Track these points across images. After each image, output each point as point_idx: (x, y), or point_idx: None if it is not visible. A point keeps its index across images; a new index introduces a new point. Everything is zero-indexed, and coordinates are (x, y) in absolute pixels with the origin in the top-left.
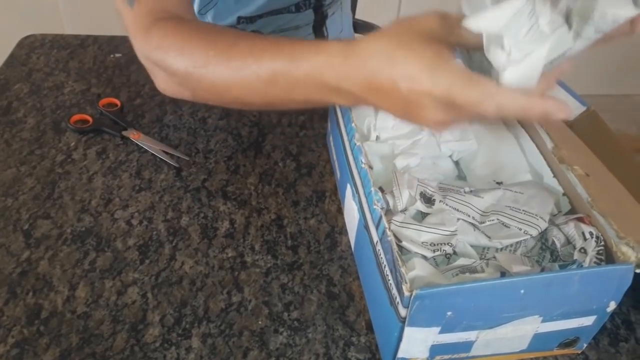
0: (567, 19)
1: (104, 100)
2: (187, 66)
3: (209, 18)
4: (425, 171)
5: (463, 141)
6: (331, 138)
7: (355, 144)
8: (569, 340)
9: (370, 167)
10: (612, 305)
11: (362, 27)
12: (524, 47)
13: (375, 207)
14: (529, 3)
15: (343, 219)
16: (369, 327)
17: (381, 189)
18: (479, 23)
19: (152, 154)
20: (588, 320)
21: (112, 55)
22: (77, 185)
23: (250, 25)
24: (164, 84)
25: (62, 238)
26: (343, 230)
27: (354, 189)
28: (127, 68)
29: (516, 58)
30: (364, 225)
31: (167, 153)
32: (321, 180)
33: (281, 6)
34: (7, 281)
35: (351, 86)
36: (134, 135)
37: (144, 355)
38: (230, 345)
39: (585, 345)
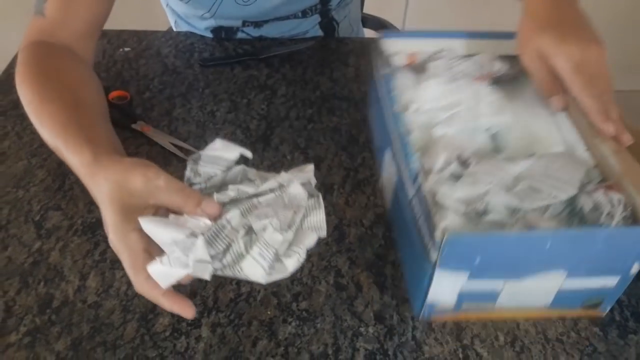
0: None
1: (114, 93)
2: (21, 95)
3: (212, 21)
4: (462, 142)
5: (500, 115)
6: (373, 110)
7: (396, 111)
8: (593, 300)
9: (409, 132)
10: (636, 267)
11: (370, 22)
12: (176, 260)
13: (412, 166)
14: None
15: (350, 211)
16: (377, 318)
17: (419, 152)
18: (147, 226)
19: (162, 147)
20: (612, 281)
21: (121, 50)
22: None
23: (256, 30)
24: (24, 106)
25: (72, 229)
26: (351, 223)
27: (392, 153)
28: (136, 62)
29: (165, 261)
30: (401, 186)
31: (176, 146)
32: (329, 173)
33: (287, 13)
34: (19, 271)
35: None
36: (143, 128)
37: (154, 344)
38: (240, 335)
39: (608, 308)
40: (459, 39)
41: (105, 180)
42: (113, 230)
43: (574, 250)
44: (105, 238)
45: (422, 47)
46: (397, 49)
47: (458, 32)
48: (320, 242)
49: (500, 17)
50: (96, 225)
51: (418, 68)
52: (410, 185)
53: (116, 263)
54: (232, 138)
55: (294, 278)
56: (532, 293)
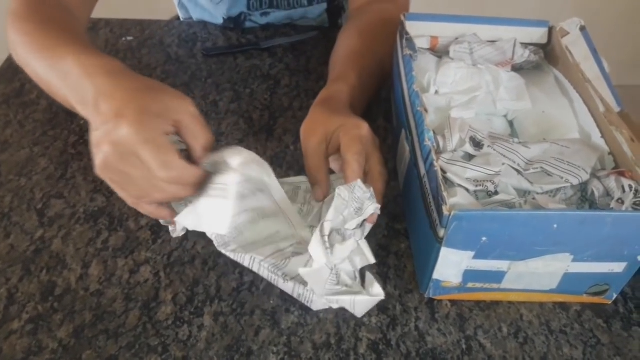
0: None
1: None
2: (16, 46)
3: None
4: (478, 125)
5: (519, 101)
6: (393, 92)
7: (414, 90)
8: (598, 287)
9: (426, 110)
10: None
11: None
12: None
13: (426, 143)
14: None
15: None
16: (380, 309)
17: (434, 132)
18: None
19: None
20: (619, 267)
21: (123, 39)
22: (90, 166)
23: (263, 18)
24: (13, 52)
25: (75, 217)
26: None
27: (407, 132)
28: (139, 51)
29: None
30: (414, 164)
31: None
32: None
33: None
34: (22, 259)
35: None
36: None
37: (157, 333)
38: (242, 324)
39: (614, 295)
40: (482, 24)
41: (133, 76)
42: (138, 121)
43: (582, 232)
44: (107, 227)
45: (444, 30)
46: (420, 32)
47: (481, 18)
48: None
49: (502, 6)
50: (98, 214)
51: (439, 51)
52: (423, 163)
53: (118, 252)
54: (235, 128)
55: None
56: (537, 276)
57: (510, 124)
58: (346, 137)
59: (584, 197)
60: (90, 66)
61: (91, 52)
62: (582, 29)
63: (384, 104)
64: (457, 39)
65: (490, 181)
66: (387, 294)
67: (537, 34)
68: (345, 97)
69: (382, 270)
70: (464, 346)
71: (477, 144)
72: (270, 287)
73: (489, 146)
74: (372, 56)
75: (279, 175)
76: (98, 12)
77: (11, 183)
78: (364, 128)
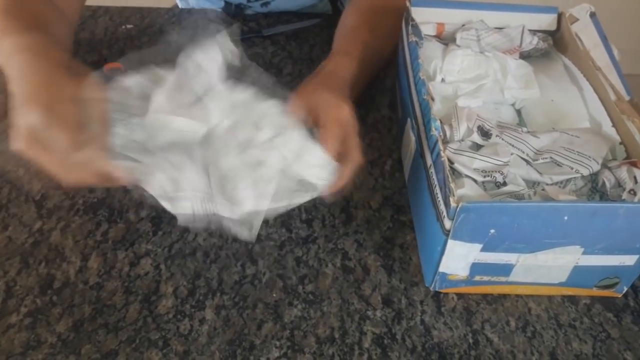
0: None
1: (108, 65)
2: None
3: None
4: (486, 114)
5: (527, 89)
6: (398, 81)
7: (420, 78)
8: (609, 280)
9: (432, 99)
10: None
11: None
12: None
13: (432, 133)
14: None
15: (358, 193)
16: (385, 302)
17: (440, 121)
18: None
19: None
20: (630, 260)
21: (123, 27)
22: None
23: (263, 7)
24: None
25: (74, 209)
26: (358, 205)
27: (413, 121)
28: (139, 39)
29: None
30: (419, 154)
31: None
32: None
33: None
34: (20, 251)
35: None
36: None
37: (157, 327)
38: (245, 317)
39: (625, 289)
40: (489, 10)
41: (57, 56)
42: (50, 96)
43: (593, 224)
44: (107, 218)
45: (450, 17)
46: (426, 18)
47: (488, 4)
48: (327, 224)
49: None
50: (98, 205)
51: (446, 38)
52: (429, 153)
53: (118, 244)
54: None
55: (300, 260)
56: (546, 268)
57: (518, 112)
58: (325, 117)
59: (594, 188)
60: (27, 44)
61: (42, 42)
62: (592, 15)
63: (389, 94)
64: (463, 25)
65: (499, 172)
66: (392, 287)
67: (546, 21)
68: (347, 73)
69: (387, 262)
70: (470, 340)
71: (485, 134)
72: (272, 280)
73: (497, 136)
74: (374, 33)
75: None
76: (97, 0)
77: (9, 174)
78: (345, 109)
